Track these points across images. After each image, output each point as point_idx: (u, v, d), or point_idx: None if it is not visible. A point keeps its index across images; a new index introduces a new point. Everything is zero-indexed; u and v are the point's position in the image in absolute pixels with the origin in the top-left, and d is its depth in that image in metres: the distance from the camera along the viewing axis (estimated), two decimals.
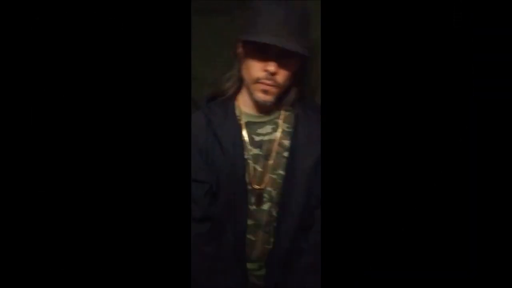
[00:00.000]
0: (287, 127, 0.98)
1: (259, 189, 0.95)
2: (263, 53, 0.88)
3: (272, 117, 0.98)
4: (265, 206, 0.96)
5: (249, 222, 0.95)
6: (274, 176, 0.95)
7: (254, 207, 0.96)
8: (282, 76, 0.90)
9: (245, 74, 0.94)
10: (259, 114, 0.98)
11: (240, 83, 0.97)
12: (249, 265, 0.97)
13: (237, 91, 0.99)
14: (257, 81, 0.91)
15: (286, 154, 0.96)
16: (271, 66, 0.88)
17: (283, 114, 0.98)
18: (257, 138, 0.96)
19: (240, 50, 0.94)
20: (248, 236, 0.96)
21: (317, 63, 1.23)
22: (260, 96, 0.92)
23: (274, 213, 0.95)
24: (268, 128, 0.98)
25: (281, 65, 0.89)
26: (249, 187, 0.95)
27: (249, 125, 0.97)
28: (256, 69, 0.90)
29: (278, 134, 0.97)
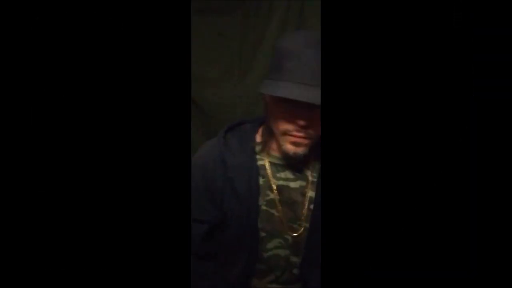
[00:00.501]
0: (313, 176, 0.88)
1: (294, 236, 0.86)
2: (290, 104, 0.76)
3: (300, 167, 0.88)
4: (284, 252, 0.87)
5: (261, 267, 0.88)
6: (296, 227, 0.86)
7: (271, 252, 0.87)
8: (315, 127, 0.80)
9: (272, 124, 0.83)
10: (285, 160, 0.87)
11: (269, 132, 0.85)
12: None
13: (263, 122, 0.88)
14: (285, 133, 0.81)
15: (311, 206, 0.86)
16: (301, 121, 0.78)
17: (311, 161, 0.87)
18: (277, 183, 0.86)
19: (264, 99, 0.84)
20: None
21: None
22: (290, 148, 0.82)
23: (294, 260, 0.88)
24: (289, 174, 0.88)
25: (313, 116, 0.78)
26: (268, 234, 0.86)
27: (270, 166, 0.87)
28: (283, 121, 0.80)
29: (301, 182, 0.87)
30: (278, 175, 0.87)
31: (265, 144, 0.87)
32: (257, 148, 0.88)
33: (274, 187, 0.86)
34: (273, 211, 0.86)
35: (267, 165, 0.87)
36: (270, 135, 0.86)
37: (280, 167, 0.87)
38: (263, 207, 0.86)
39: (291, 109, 0.78)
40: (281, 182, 0.87)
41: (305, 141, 0.81)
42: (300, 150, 0.81)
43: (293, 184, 0.87)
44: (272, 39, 1.36)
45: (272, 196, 0.86)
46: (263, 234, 0.86)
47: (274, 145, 0.87)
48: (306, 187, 0.86)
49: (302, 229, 0.86)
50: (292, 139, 0.81)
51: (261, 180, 0.86)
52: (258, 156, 0.87)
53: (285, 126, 0.80)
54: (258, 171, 0.86)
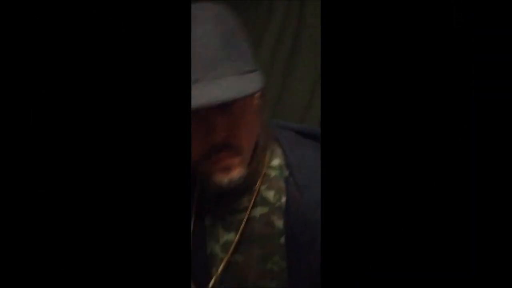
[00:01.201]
0: (275, 197, 0.69)
1: None
2: (199, 118, 0.63)
3: (250, 183, 0.69)
4: None
5: None
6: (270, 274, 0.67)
7: None
8: (239, 137, 0.64)
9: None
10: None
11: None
12: None
13: None
14: (206, 159, 0.65)
15: (280, 240, 0.67)
16: (216, 133, 0.62)
17: (269, 175, 0.69)
18: (230, 218, 0.69)
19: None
20: None
21: (313, 60, 1.21)
22: (221, 178, 0.65)
23: None
24: (246, 202, 0.70)
25: (231, 121, 0.63)
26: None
27: (216, 199, 0.70)
28: (197, 144, 0.64)
29: (264, 209, 0.68)
30: (233, 207, 0.68)
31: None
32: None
33: (225, 258, 0.67)
34: (238, 257, 0.68)
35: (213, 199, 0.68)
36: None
37: (232, 196, 0.67)
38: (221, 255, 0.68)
39: (200, 122, 0.61)
40: (238, 216, 0.68)
41: (235, 160, 0.63)
42: (236, 174, 0.64)
43: (252, 213, 0.68)
44: (272, 39, 1.37)
45: (229, 237, 0.68)
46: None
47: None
48: (271, 213, 0.68)
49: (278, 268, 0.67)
50: (219, 164, 0.63)
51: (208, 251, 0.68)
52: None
53: (200, 150, 0.63)
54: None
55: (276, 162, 0.71)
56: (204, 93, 0.57)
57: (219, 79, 0.58)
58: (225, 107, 0.60)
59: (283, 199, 0.68)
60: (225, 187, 0.63)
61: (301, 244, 0.66)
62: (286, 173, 0.69)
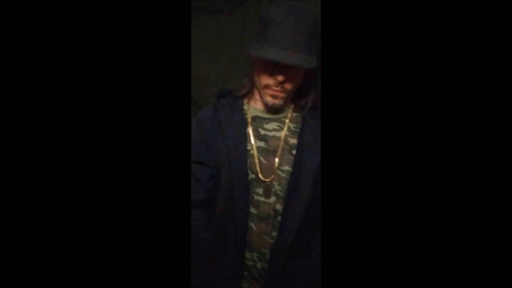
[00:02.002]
0: (294, 127, 1.02)
1: (266, 181, 0.97)
2: (271, 63, 0.92)
3: (279, 116, 1.03)
4: (271, 199, 0.97)
5: (252, 210, 0.97)
6: (280, 172, 0.98)
7: (260, 198, 0.98)
8: (290, 84, 0.96)
9: (256, 79, 0.99)
10: (267, 112, 1.03)
11: (252, 85, 1.02)
12: (248, 255, 0.98)
13: (249, 92, 1.04)
14: (266, 87, 0.97)
15: (293, 151, 0.99)
16: (280, 76, 0.93)
17: (290, 114, 1.03)
18: (262, 132, 1.00)
19: (250, 58, 0.98)
20: (250, 224, 0.97)
21: None
22: (269, 100, 0.98)
23: (279, 208, 0.97)
24: (274, 125, 1.02)
25: (289, 74, 0.94)
26: (257, 177, 0.97)
27: (255, 119, 1.02)
28: (265, 77, 0.95)
29: (284, 132, 1.01)
30: (265, 126, 1.02)
31: (250, 98, 1.04)
32: (245, 106, 1.04)
33: (262, 134, 1.01)
34: (261, 158, 0.99)
35: (252, 117, 1.02)
36: (253, 89, 1.03)
37: (266, 119, 1.02)
38: (252, 152, 0.99)
39: (272, 68, 0.94)
40: (267, 132, 1.01)
41: (282, 94, 0.97)
42: (277, 102, 0.98)
43: (278, 134, 1.01)
44: None
45: (259, 144, 1.00)
46: (252, 176, 0.98)
47: (258, 100, 1.03)
48: (289, 136, 1.01)
49: (285, 174, 0.98)
50: (271, 92, 0.97)
51: (249, 129, 1.01)
52: (246, 113, 1.03)
53: (266, 81, 0.96)
54: (245, 121, 1.02)
55: (297, 109, 1.06)
56: (287, 56, 0.89)
57: (294, 50, 0.90)
58: (290, 66, 0.92)
59: (298, 129, 1.03)
60: (270, 106, 1.00)
61: (306, 158, 0.98)
62: (304, 114, 1.04)
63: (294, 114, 1.03)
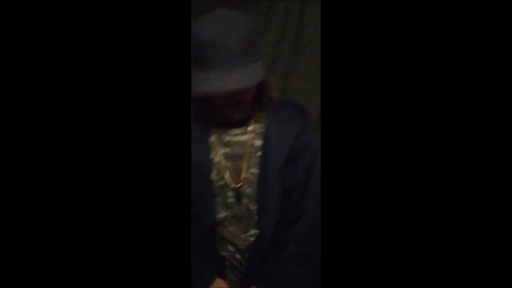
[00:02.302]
0: (259, 128, 1.00)
1: (237, 187, 0.97)
2: (218, 99, 0.89)
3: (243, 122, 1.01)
4: (244, 202, 0.98)
5: (226, 214, 0.98)
6: (249, 175, 0.98)
7: (233, 200, 0.98)
8: (247, 96, 0.91)
9: (212, 108, 0.94)
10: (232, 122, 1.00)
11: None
12: (224, 247, 1.01)
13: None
14: (223, 106, 0.92)
15: (259, 153, 0.98)
16: (236, 97, 0.88)
17: (254, 117, 1.00)
18: (226, 138, 0.98)
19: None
20: (228, 228, 0.99)
21: (314, 59, 1.22)
22: (232, 116, 0.94)
23: (253, 208, 0.98)
24: (238, 130, 0.99)
25: (240, 93, 0.89)
26: (225, 183, 0.97)
27: (219, 125, 0.99)
28: (218, 99, 0.90)
29: (248, 135, 0.99)
30: (229, 131, 0.99)
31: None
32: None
33: (226, 140, 0.98)
34: (228, 163, 0.98)
35: (217, 127, 0.99)
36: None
37: (228, 126, 0.99)
38: (217, 159, 0.98)
39: (225, 97, 0.88)
40: (230, 138, 0.99)
41: (242, 107, 0.93)
42: (241, 115, 0.95)
43: (243, 138, 0.99)
44: (272, 39, 1.37)
45: (224, 150, 0.98)
46: (220, 183, 0.98)
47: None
48: (254, 138, 0.99)
49: (253, 176, 0.98)
50: (230, 110, 0.92)
51: (212, 137, 0.99)
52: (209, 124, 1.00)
53: (220, 102, 0.90)
54: (209, 131, 0.99)
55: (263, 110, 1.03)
56: (237, 77, 0.85)
57: (242, 66, 0.86)
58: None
59: (263, 130, 1.00)
60: (236, 121, 0.96)
61: (272, 157, 0.97)
62: (268, 113, 1.01)
63: (260, 114, 1.00)
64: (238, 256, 1.01)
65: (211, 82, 0.84)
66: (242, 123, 0.99)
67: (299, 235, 0.98)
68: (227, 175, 0.97)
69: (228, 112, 0.94)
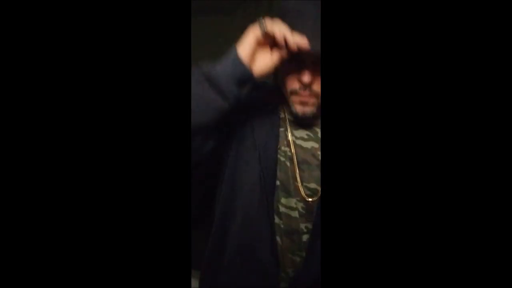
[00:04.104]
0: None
1: (309, 201, 0.86)
2: (296, 61, 0.81)
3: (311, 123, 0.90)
4: (295, 214, 0.88)
5: (277, 221, 0.88)
6: (304, 189, 0.88)
7: (283, 209, 0.88)
8: (319, 85, 0.82)
9: (281, 85, 0.87)
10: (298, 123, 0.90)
11: (279, 93, 0.89)
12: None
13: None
14: (293, 93, 0.84)
15: (319, 166, 0.87)
16: (305, 77, 0.81)
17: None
18: (290, 137, 0.89)
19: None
20: (276, 237, 0.88)
21: None
22: (299, 109, 0.85)
23: (302, 226, 0.88)
24: (302, 133, 0.90)
25: (317, 72, 0.82)
26: (286, 187, 0.88)
27: (286, 120, 0.90)
28: (290, 81, 0.84)
29: (314, 144, 0.89)
30: (294, 132, 0.90)
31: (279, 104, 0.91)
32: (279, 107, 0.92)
33: (290, 141, 0.89)
34: (288, 163, 0.88)
35: (286, 119, 0.91)
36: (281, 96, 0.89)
37: (296, 125, 0.90)
38: (279, 156, 0.88)
39: (296, 65, 0.82)
40: (294, 139, 0.90)
41: (312, 100, 0.84)
42: (308, 110, 0.85)
43: (305, 144, 0.89)
44: None
45: (287, 150, 0.89)
46: (278, 182, 0.88)
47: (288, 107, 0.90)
48: (318, 149, 0.89)
49: (317, 196, 0.87)
50: (300, 98, 0.84)
51: (280, 130, 0.90)
52: (280, 112, 0.91)
53: (291, 85, 0.83)
54: (279, 121, 0.90)
55: None
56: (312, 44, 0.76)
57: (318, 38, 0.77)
58: (316, 63, 0.80)
59: None
60: (300, 116, 0.86)
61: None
62: None
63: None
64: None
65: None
66: (308, 124, 0.89)
67: None
68: (299, 179, 0.86)
69: (297, 103, 0.84)
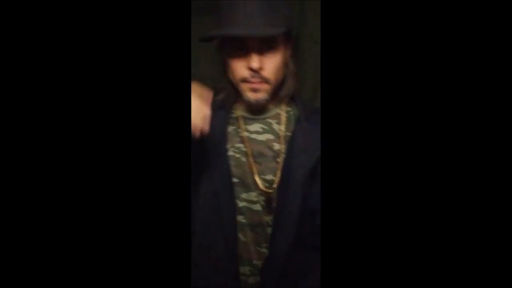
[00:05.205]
0: (282, 130, 0.92)
1: (269, 192, 0.88)
2: (242, 49, 0.84)
3: (264, 116, 0.93)
4: (257, 207, 0.90)
5: (240, 219, 0.89)
6: (261, 181, 0.89)
7: (247, 204, 0.90)
8: (269, 70, 0.85)
9: (231, 76, 0.89)
10: (251, 112, 0.92)
11: (231, 85, 0.91)
12: (241, 269, 0.91)
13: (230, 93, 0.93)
14: (243, 81, 0.86)
15: (277, 159, 0.89)
16: (254, 62, 0.83)
17: (279, 115, 0.92)
18: (243, 133, 0.91)
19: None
20: (238, 234, 0.89)
21: (314, 59, 1.22)
22: (251, 96, 0.87)
23: (266, 219, 0.89)
24: (257, 127, 0.92)
25: (265, 58, 0.84)
26: (243, 182, 0.89)
27: (238, 119, 0.92)
28: (239, 68, 0.86)
29: (269, 136, 0.91)
30: (247, 127, 0.92)
31: (229, 98, 0.93)
32: (234, 107, 0.94)
33: (244, 136, 0.91)
34: (244, 158, 0.90)
35: (238, 117, 0.93)
36: (232, 89, 0.91)
37: (249, 120, 0.92)
38: (232, 153, 0.90)
39: (243, 53, 0.84)
40: (248, 134, 0.91)
41: (263, 86, 0.86)
42: (260, 96, 0.86)
43: (260, 137, 0.91)
44: None
45: (241, 146, 0.91)
46: (235, 179, 0.90)
47: (242, 100, 0.91)
48: (273, 140, 0.91)
49: (274, 185, 0.89)
50: (250, 85, 0.86)
51: (230, 128, 0.92)
52: (231, 112, 0.94)
53: (240, 73, 0.85)
54: (228, 120, 0.92)
55: (289, 109, 0.94)
56: (253, 30, 0.81)
57: (259, 25, 0.82)
58: (262, 49, 0.83)
59: (288, 133, 0.91)
60: (253, 103, 0.87)
61: (297, 168, 0.88)
62: (296, 117, 0.92)
63: (285, 115, 0.92)
64: (252, 280, 0.90)
65: (235, 28, 0.81)
66: (261, 114, 0.91)
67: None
68: (256, 175, 0.87)
69: (248, 90, 0.86)
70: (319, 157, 0.87)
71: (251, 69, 0.84)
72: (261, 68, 0.84)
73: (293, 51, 0.91)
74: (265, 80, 0.86)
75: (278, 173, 0.89)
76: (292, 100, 0.95)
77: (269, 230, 0.90)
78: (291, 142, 0.90)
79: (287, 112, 0.94)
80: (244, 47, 0.84)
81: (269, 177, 0.90)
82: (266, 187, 0.89)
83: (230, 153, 0.91)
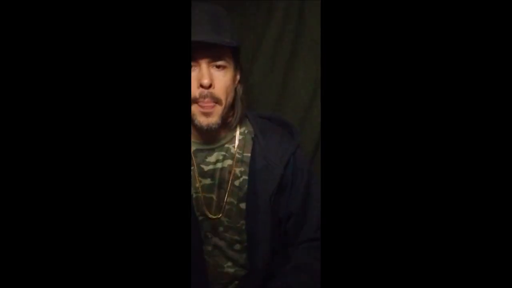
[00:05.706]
0: (240, 152, 0.93)
1: (213, 218, 0.92)
2: (193, 67, 0.83)
3: (221, 143, 0.93)
4: (226, 234, 0.93)
5: (208, 248, 0.93)
6: (228, 206, 0.92)
7: (210, 235, 0.93)
8: (218, 88, 0.85)
9: None
10: (206, 143, 0.92)
11: None
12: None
13: None
14: (194, 101, 0.85)
15: (236, 183, 0.91)
16: (204, 78, 0.82)
17: (236, 138, 0.93)
18: (205, 168, 0.91)
19: None
20: (208, 259, 0.93)
21: (314, 59, 1.22)
22: (202, 120, 0.86)
23: (238, 238, 0.92)
24: (218, 156, 0.93)
25: (214, 76, 0.84)
26: (205, 217, 0.91)
27: (196, 154, 0.91)
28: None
29: (229, 161, 0.92)
30: (207, 160, 0.91)
31: None
32: None
33: (205, 170, 0.91)
34: (212, 195, 0.91)
35: (194, 153, 0.91)
36: None
37: (208, 151, 0.92)
38: (198, 194, 0.91)
39: (193, 72, 0.83)
40: (210, 167, 0.91)
41: (214, 109, 0.85)
42: (212, 120, 0.85)
43: (222, 165, 0.92)
44: (272, 39, 1.36)
45: (204, 181, 0.91)
46: (200, 217, 0.92)
47: (193, 131, 0.90)
48: (232, 165, 0.91)
49: (232, 206, 0.91)
50: (202, 109, 0.84)
51: (193, 167, 0.91)
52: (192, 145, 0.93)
53: (191, 93, 0.83)
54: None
55: (243, 129, 0.95)
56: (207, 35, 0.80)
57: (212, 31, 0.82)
58: (212, 65, 0.84)
59: (247, 154, 0.91)
60: (205, 129, 0.86)
61: (259, 186, 0.89)
62: (252, 136, 0.92)
63: (240, 137, 0.93)
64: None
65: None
66: (217, 142, 0.90)
67: (291, 268, 0.91)
68: (205, 207, 0.90)
69: (199, 114, 0.85)
70: (282, 171, 0.89)
71: (202, 86, 0.83)
72: (211, 85, 0.84)
73: (242, 77, 0.91)
74: (215, 100, 0.85)
75: (241, 196, 0.91)
76: (244, 117, 0.95)
77: (238, 247, 0.93)
78: (252, 163, 0.91)
79: (241, 133, 0.94)
80: (195, 64, 0.83)
81: (233, 200, 0.92)
82: (213, 213, 0.91)
83: (196, 195, 0.91)
